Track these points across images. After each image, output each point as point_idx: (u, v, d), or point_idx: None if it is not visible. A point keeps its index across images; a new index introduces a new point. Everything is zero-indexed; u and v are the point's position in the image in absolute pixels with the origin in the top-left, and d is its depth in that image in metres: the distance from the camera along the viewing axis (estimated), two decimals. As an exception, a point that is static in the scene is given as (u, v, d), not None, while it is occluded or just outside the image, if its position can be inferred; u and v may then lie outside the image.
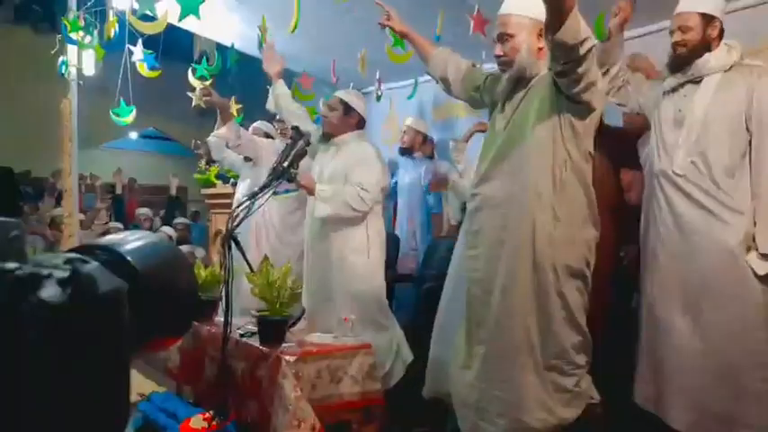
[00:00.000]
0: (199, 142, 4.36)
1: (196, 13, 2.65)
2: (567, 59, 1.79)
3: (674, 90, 2.32)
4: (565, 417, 1.97)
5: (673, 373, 2.20)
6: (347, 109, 2.96)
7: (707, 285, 2.15)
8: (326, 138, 3.00)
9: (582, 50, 1.75)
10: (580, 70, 1.81)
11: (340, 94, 3.05)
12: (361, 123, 3.02)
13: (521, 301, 1.96)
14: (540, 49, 2.01)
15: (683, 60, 2.25)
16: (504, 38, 2.04)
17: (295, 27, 2.75)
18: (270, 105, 3.21)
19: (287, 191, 3.08)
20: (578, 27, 1.71)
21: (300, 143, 2.59)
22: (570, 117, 1.96)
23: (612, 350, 2.25)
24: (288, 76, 4.09)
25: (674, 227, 2.23)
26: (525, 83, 2.06)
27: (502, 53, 2.06)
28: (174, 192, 6.11)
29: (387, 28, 2.51)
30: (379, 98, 3.97)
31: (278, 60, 3.08)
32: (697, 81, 2.25)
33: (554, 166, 1.96)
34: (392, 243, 3.39)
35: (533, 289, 1.95)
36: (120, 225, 5.36)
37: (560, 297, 1.95)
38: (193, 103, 3.71)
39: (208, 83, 3.63)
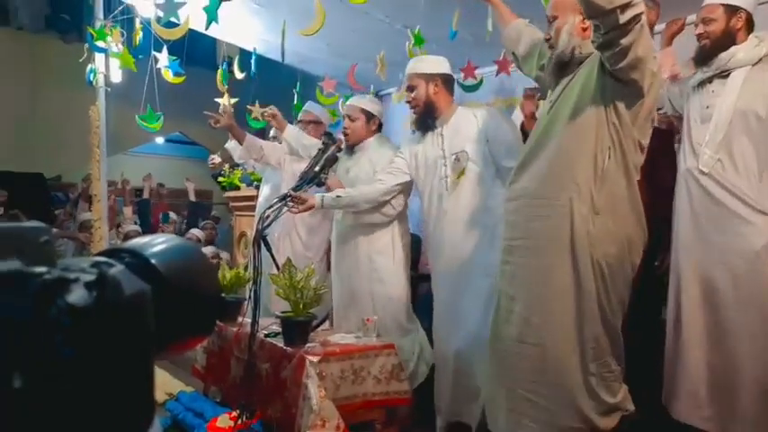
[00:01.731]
0: (214, 160, 4.47)
1: (214, 17, 2.69)
2: (606, 28, 1.62)
3: (701, 85, 2.26)
4: (601, 427, 1.84)
5: (696, 377, 2.15)
6: (369, 116, 2.97)
7: (729, 287, 2.09)
8: (350, 148, 3.00)
9: (622, 18, 1.57)
10: (624, 42, 1.62)
11: (358, 102, 3.01)
12: (380, 126, 3.04)
13: (556, 300, 1.83)
14: (585, 29, 1.88)
15: (706, 53, 2.20)
16: (550, 20, 1.97)
17: (317, 30, 2.77)
18: (288, 149, 3.26)
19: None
20: None
21: (332, 148, 2.62)
22: (616, 101, 1.78)
23: (640, 360, 2.18)
24: (309, 80, 4.13)
25: (698, 226, 2.18)
26: (576, 64, 1.93)
27: (549, 36, 1.99)
28: (192, 197, 6.13)
29: (408, 29, 2.48)
30: (399, 100, 3.97)
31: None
32: (725, 75, 2.18)
33: (596, 152, 1.80)
34: (414, 244, 3.38)
35: (570, 285, 1.81)
36: (138, 228, 5.44)
37: (598, 297, 1.81)
38: (214, 120, 3.76)
39: (225, 89, 3.68)
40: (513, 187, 2.02)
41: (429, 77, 2.61)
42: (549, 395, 1.85)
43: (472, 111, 2.68)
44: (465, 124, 2.58)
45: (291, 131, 3.22)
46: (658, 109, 2.44)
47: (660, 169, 2.47)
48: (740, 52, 2.14)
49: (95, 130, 3.99)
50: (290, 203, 2.62)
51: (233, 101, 3.68)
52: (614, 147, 1.80)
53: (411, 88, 2.64)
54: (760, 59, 2.14)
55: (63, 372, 0.38)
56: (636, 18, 1.60)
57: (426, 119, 2.65)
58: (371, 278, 2.85)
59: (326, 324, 2.82)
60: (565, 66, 1.97)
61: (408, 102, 2.68)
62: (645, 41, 1.68)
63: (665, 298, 2.39)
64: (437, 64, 2.64)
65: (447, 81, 2.65)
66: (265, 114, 3.25)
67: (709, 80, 2.23)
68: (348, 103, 3.06)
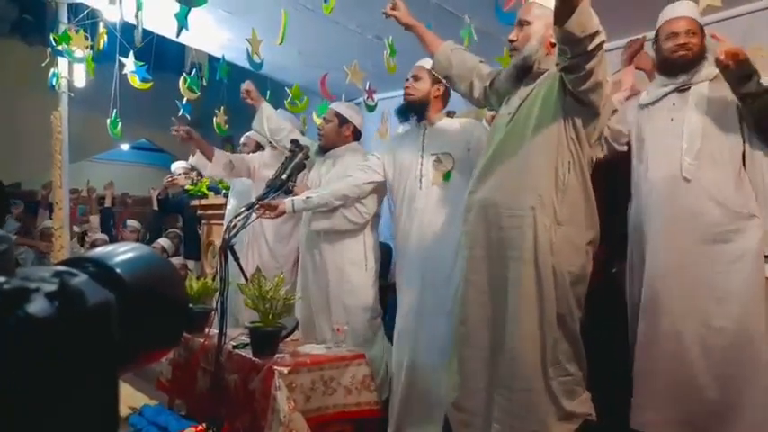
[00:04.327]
0: (176, 180, 4.60)
1: (185, 24, 2.66)
2: (573, 53, 1.72)
3: (656, 101, 2.30)
4: None
5: (673, 390, 2.13)
6: (342, 121, 2.98)
7: (723, 294, 2.08)
8: (323, 150, 3.02)
9: (590, 45, 1.68)
10: (588, 66, 1.74)
11: (335, 106, 3.06)
12: (356, 135, 3.04)
13: (523, 308, 1.88)
14: (553, 44, 1.95)
15: (683, 65, 2.22)
16: (521, 24, 2.02)
17: (282, 40, 2.77)
18: (257, 126, 3.23)
19: None
20: (588, 19, 1.64)
21: (300, 156, 2.61)
22: (575, 118, 1.89)
23: (600, 367, 2.17)
24: (279, 88, 4.11)
25: (678, 235, 2.17)
26: (533, 78, 2.00)
27: (515, 38, 2.04)
28: (156, 206, 6.02)
29: (380, 39, 2.49)
30: (371, 108, 3.98)
31: (250, 87, 3.16)
32: (683, 90, 2.25)
33: (557, 165, 1.89)
34: (385, 252, 3.38)
35: (534, 293, 1.87)
36: (105, 237, 5.32)
37: (558, 304, 1.88)
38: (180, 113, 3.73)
39: (195, 96, 3.64)
40: (472, 197, 2.06)
41: (436, 80, 2.63)
42: (515, 399, 1.90)
43: (458, 120, 2.74)
44: (449, 130, 2.62)
45: (268, 108, 3.18)
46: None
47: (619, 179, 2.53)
48: (703, 69, 2.23)
49: (57, 135, 3.88)
50: (259, 212, 2.59)
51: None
52: (573, 161, 1.90)
53: (416, 78, 2.65)
54: (715, 76, 2.23)
55: (22, 385, 0.36)
56: (600, 45, 1.72)
57: (412, 110, 2.66)
58: (342, 289, 2.82)
59: (296, 334, 2.79)
60: (524, 73, 2.03)
61: (407, 88, 2.68)
62: (603, 67, 1.81)
63: (620, 304, 2.44)
64: None
65: (446, 93, 2.69)
66: (242, 89, 3.19)
67: (665, 95, 2.28)
68: (329, 106, 3.11)
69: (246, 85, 3.16)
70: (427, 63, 2.64)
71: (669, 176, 2.21)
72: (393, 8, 2.33)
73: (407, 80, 2.68)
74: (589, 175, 1.95)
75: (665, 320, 2.17)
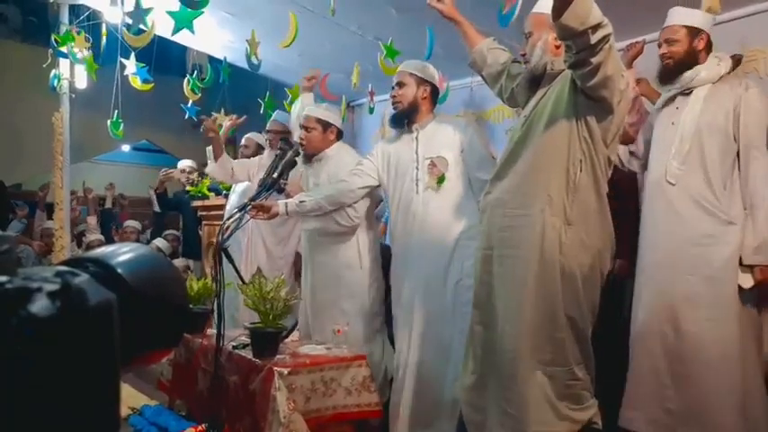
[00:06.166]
0: (171, 173, 4.76)
1: (190, 28, 2.66)
2: (577, 48, 1.67)
3: (665, 104, 2.34)
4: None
5: (655, 391, 2.17)
6: (325, 126, 2.92)
7: (693, 296, 2.12)
8: (308, 158, 2.95)
9: (593, 38, 1.62)
10: (594, 60, 1.68)
11: (312, 112, 2.94)
12: (339, 134, 2.98)
13: (528, 308, 1.88)
14: (558, 46, 1.94)
15: (670, 72, 2.28)
16: (525, 37, 2.04)
17: (291, 42, 2.77)
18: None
19: None
20: (586, 11, 1.59)
21: (290, 153, 2.60)
22: (587, 117, 1.86)
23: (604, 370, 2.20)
24: (280, 89, 4.12)
25: (666, 238, 2.21)
26: (549, 80, 2.00)
27: (524, 52, 2.06)
28: (157, 207, 6.00)
29: (379, 41, 2.49)
30: (372, 110, 3.98)
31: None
32: (687, 93, 2.27)
33: (568, 165, 1.87)
34: (386, 252, 3.38)
35: (538, 295, 1.87)
36: (101, 237, 5.32)
37: (566, 305, 1.86)
38: (186, 116, 3.74)
39: (197, 97, 3.64)
40: (487, 198, 2.07)
41: (421, 81, 2.64)
42: (517, 401, 1.90)
43: (450, 120, 2.73)
44: (441, 132, 2.61)
45: (309, 99, 3.19)
46: (632, 153, 2.51)
47: (621, 180, 2.54)
48: (703, 71, 2.24)
49: (58, 137, 3.89)
50: (252, 212, 2.58)
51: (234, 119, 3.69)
52: (585, 160, 1.87)
53: (401, 84, 2.65)
54: (720, 78, 2.24)
55: (24, 384, 0.37)
56: (605, 38, 1.66)
57: (404, 118, 2.67)
58: (340, 293, 2.81)
59: (296, 335, 2.78)
60: (536, 80, 2.04)
61: (393, 96, 2.68)
62: (613, 61, 1.75)
63: (619, 306, 2.45)
64: (432, 73, 2.69)
65: (435, 91, 2.69)
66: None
67: (672, 98, 2.32)
68: (304, 113, 2.99)
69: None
70: (409, 66, 2.66)
71: (658, 179, 2.26)
72: (439, 0, 2.31)
73: (393, 88, 2.67)
74: (605, 175, 1.92)
75: (643, 319, 2.24)
